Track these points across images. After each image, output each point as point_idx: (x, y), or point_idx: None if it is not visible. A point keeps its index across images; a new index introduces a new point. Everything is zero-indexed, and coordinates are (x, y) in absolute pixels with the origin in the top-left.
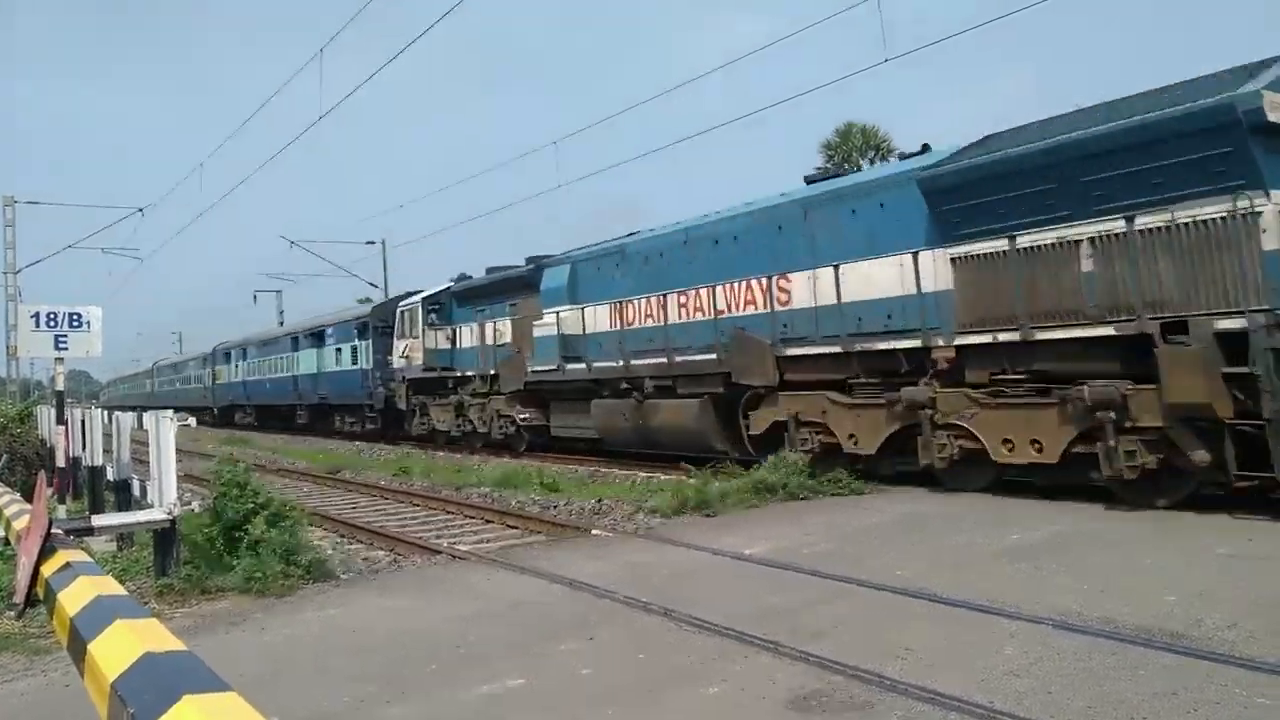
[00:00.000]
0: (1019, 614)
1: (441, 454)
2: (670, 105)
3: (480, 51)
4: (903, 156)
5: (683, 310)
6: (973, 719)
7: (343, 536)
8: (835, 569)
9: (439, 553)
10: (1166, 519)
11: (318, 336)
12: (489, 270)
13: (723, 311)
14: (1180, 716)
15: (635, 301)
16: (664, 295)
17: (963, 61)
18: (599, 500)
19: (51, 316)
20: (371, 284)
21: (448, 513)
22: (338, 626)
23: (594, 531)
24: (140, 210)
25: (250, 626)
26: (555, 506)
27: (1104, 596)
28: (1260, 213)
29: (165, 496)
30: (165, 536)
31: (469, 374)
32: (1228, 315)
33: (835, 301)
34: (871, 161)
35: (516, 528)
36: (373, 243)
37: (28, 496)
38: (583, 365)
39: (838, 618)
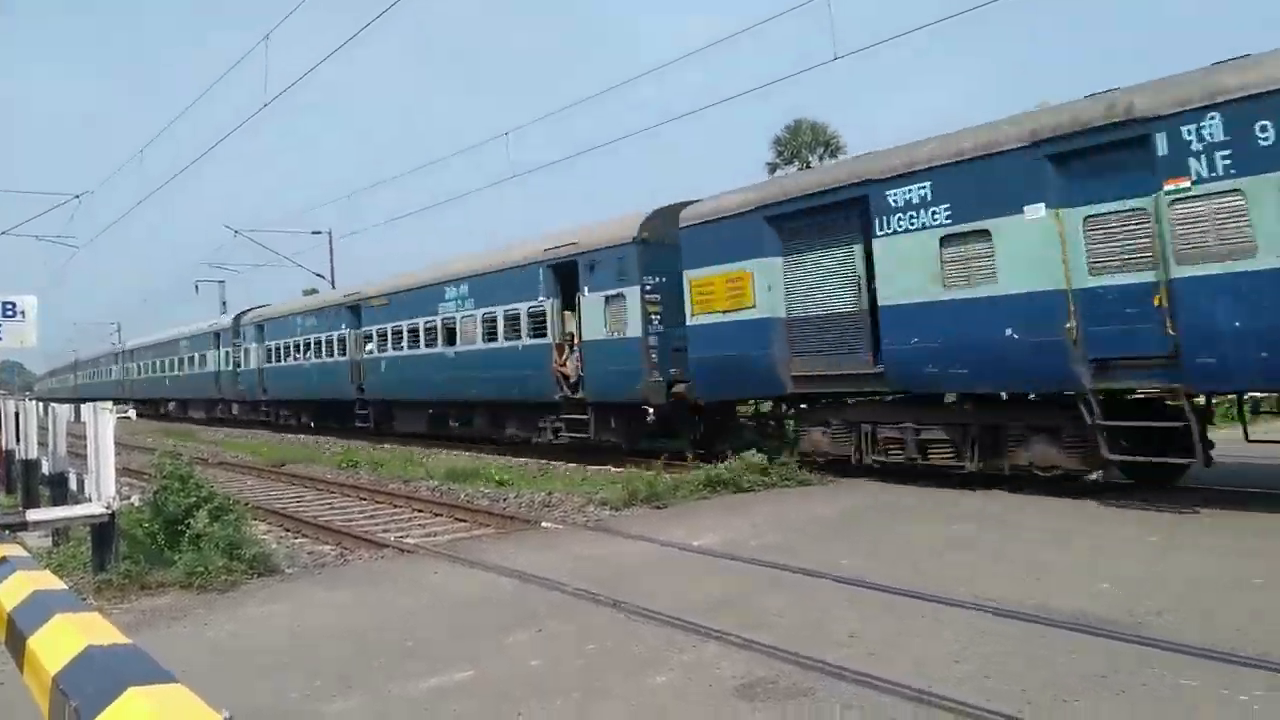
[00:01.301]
0: (958, 601)
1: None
2: (624, 98)
3: (429, 42)
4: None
5: None
6: (911, 703)
7: (288, 530)
8: (782, 559)
9: (386, 546)
10: (1100, 510)
11: None
12: None
13: None
14: (1110, 699)
15: None
16: None
17: (916, 56)
18: (549, 493)
19: None
20: (318, 274)
21: (395, 506)
22: (283, 621)
23: (544, 524)
24: (78, 197)
25: (192, 622)
26: (505, 500)
27: (1040, 584)
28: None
29: (104, 490)
30: (104, 531)
31: None
32: None
33: None
34: (821, 158)
35: (465, 521)
36: (319, 233)
37: None
38: None
39: (783, 607)
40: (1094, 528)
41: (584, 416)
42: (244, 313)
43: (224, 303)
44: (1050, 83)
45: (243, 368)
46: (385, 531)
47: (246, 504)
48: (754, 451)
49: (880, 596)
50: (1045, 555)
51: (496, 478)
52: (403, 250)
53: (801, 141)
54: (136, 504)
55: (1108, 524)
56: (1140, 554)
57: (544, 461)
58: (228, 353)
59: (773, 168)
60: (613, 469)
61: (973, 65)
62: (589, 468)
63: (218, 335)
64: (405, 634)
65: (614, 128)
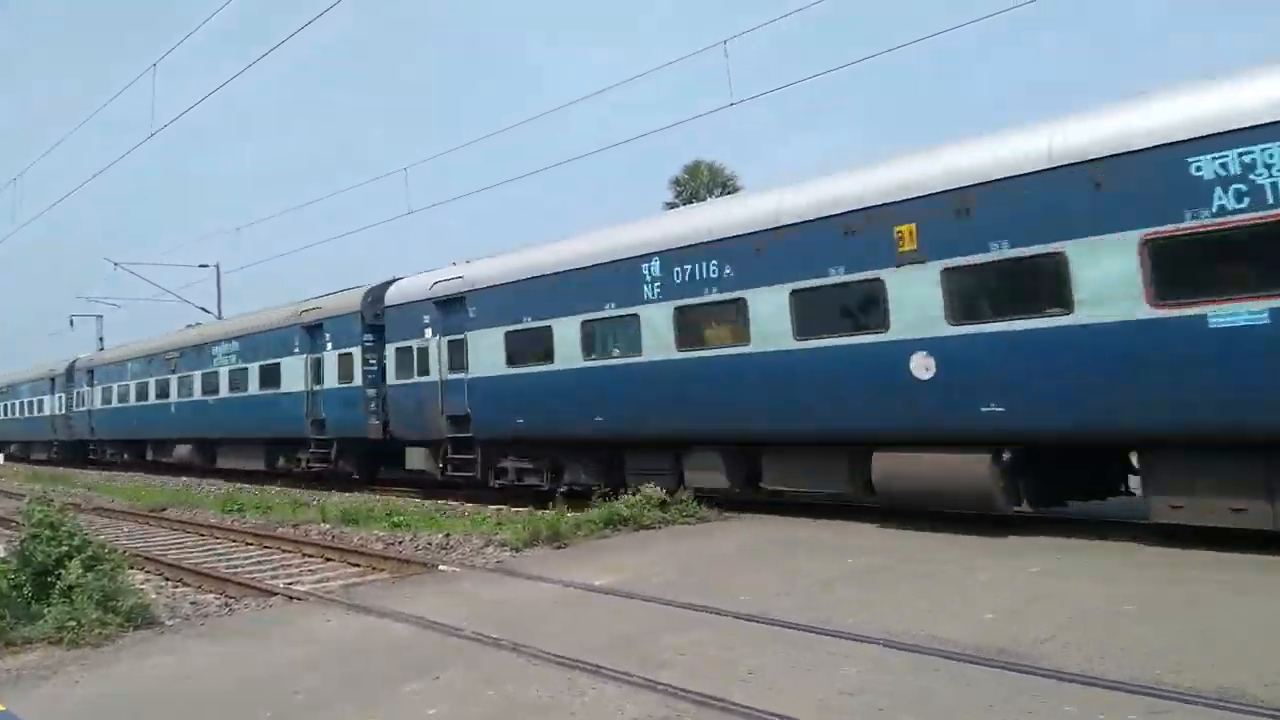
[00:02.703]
0: (854, 634)
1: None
2: (528, 135)
3: (326, 74)
4: None
5: None
6: None
7: (168, 579)
8: (682, 597)
9: (274, 594)
10: (988, 543)
11: None
12: None
13: None
14: None
15: None
16: None
17: (807, 99)
18: (447, 535)
19: None
20: (203, 309)
21: (284, 551)
22: (162, 676)
23: (441, 567)
24: None
25: (62, 680)
26: (401, 542)
27: (931, 616)
28: None
29: None
30: None
31: None
32: None
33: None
34: (720, 196)
35: (359, 565)
36: (206, 266)
37: None
38: None
39: (685, 645)
40: (977, 560)
41: None
42: None
43: (100, 338)
44: (949, 120)
45: None
46: (274, 578)
47: (124, 552)
48: (653, 485)
49: (780, 631)
50: (936, 587)
51: (392, 519)
52: (296, 285)
53: (700, 182)
54: (1, 554)
55: (991, 555)
56: (1024, 584)
57: (442, 501)
58: None
59: (670, 206)
60: (512, 510)
61: (873, 105)
62: (489, 507)
63: None
64: (294, 686)
65: (511, 165)
